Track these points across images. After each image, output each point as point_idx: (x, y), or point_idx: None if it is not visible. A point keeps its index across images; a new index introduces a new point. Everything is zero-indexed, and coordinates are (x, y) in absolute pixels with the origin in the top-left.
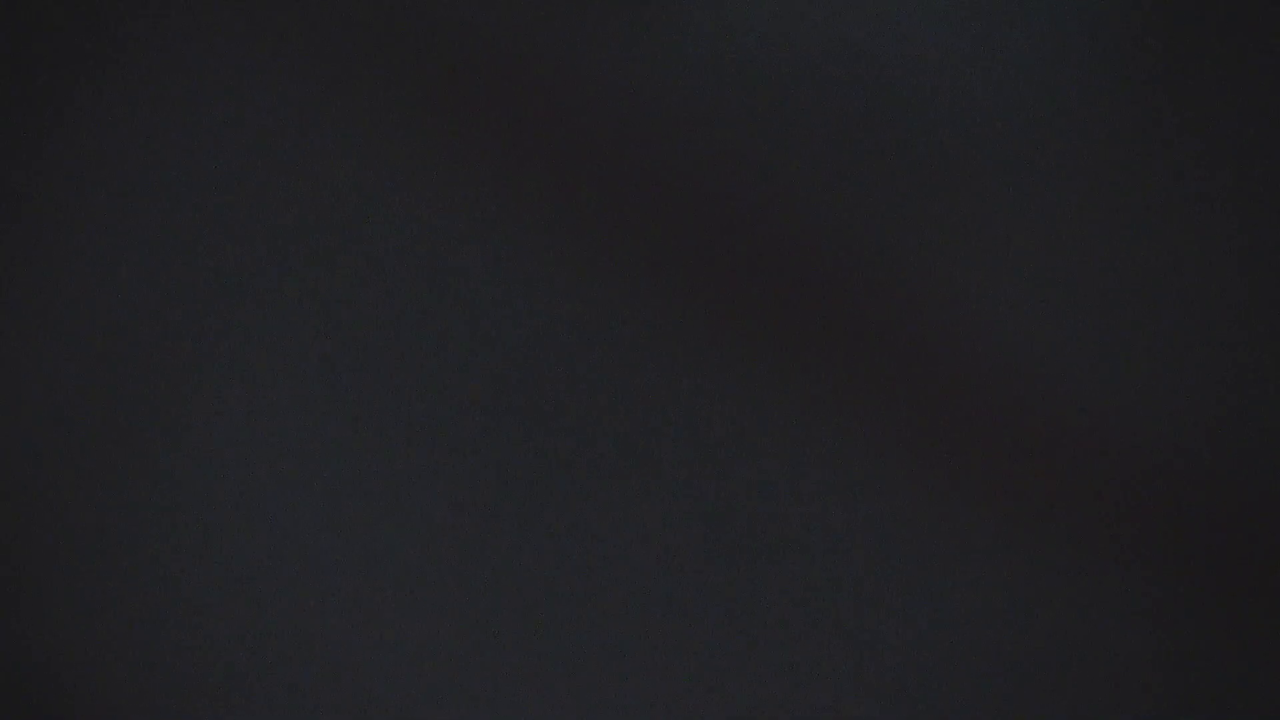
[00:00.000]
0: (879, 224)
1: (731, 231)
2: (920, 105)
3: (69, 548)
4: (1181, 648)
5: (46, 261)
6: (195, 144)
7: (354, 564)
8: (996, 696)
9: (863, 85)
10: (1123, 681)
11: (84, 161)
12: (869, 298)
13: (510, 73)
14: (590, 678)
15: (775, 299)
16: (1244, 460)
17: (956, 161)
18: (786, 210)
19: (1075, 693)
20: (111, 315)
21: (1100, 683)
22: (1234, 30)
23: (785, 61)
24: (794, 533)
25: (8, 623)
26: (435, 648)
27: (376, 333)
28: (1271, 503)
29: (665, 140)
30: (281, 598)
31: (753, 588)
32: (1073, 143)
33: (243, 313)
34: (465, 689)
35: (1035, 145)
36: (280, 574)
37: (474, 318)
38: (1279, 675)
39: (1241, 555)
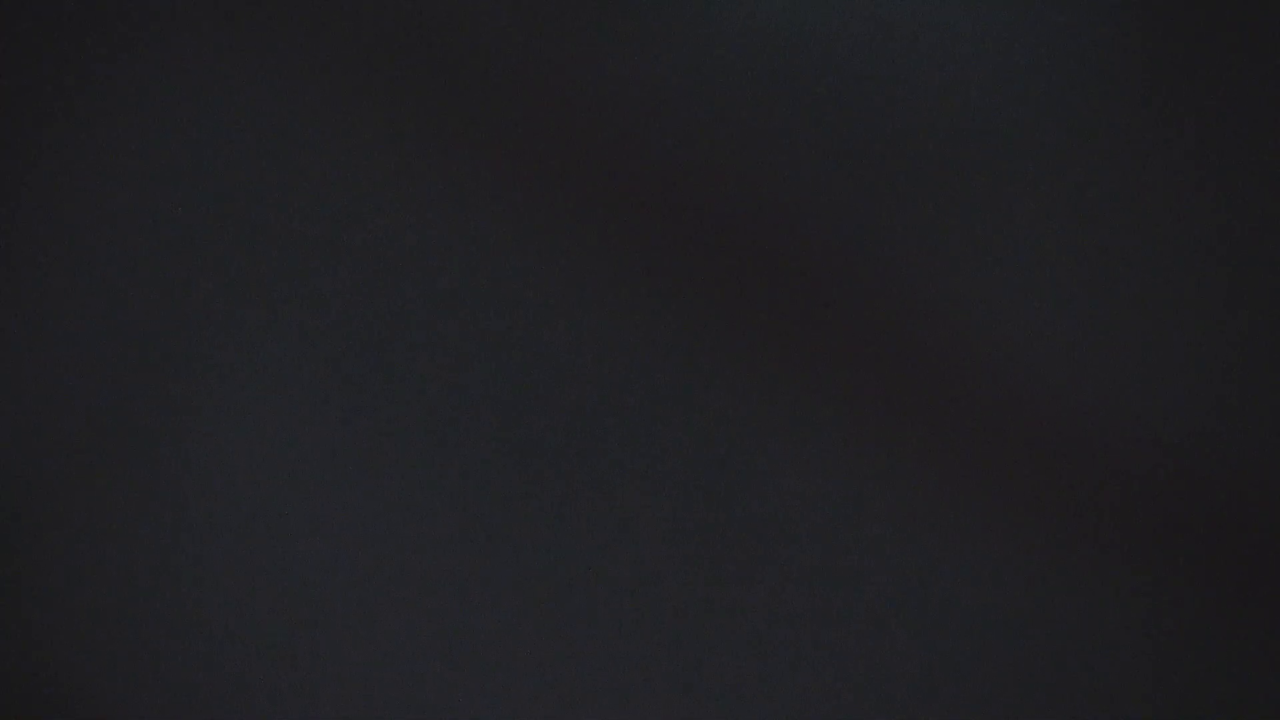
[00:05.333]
0: (879, 225)
1: (733, 232)
2: (921, 107)
3: (73, 547)
4: (1181, 647)
5: (51, 262)
6: (200, 144)
7: (356, 563)
8: (996, 695)
9: (865, 88)
10: (1123, 681)
11: (88, 162)
12: (869, 298)
13: (514, 76)
14: (590, 676)
15: (776, 300)
16: (1243, 460)
17: (957, 163)
18: (787, 211)
19: (1075, 692)
20: (116, 317)
21: (1100, 682)
22: (1233, 31)
23: (786, 64)
24: (794, 533)
25: (12, 622)
26: (438, 645)
27: (380, 334)
28: (1270, 502)
29: (667, 142)
30: (283, 596)
31: (753, 587)
32: (1073, 144)
33: (246, 314)
34: (468, 687)
35: (1036, 147)
36: (282, 573)
37: (476, 319)
38: (1279, 675)
39: (1240, 555)
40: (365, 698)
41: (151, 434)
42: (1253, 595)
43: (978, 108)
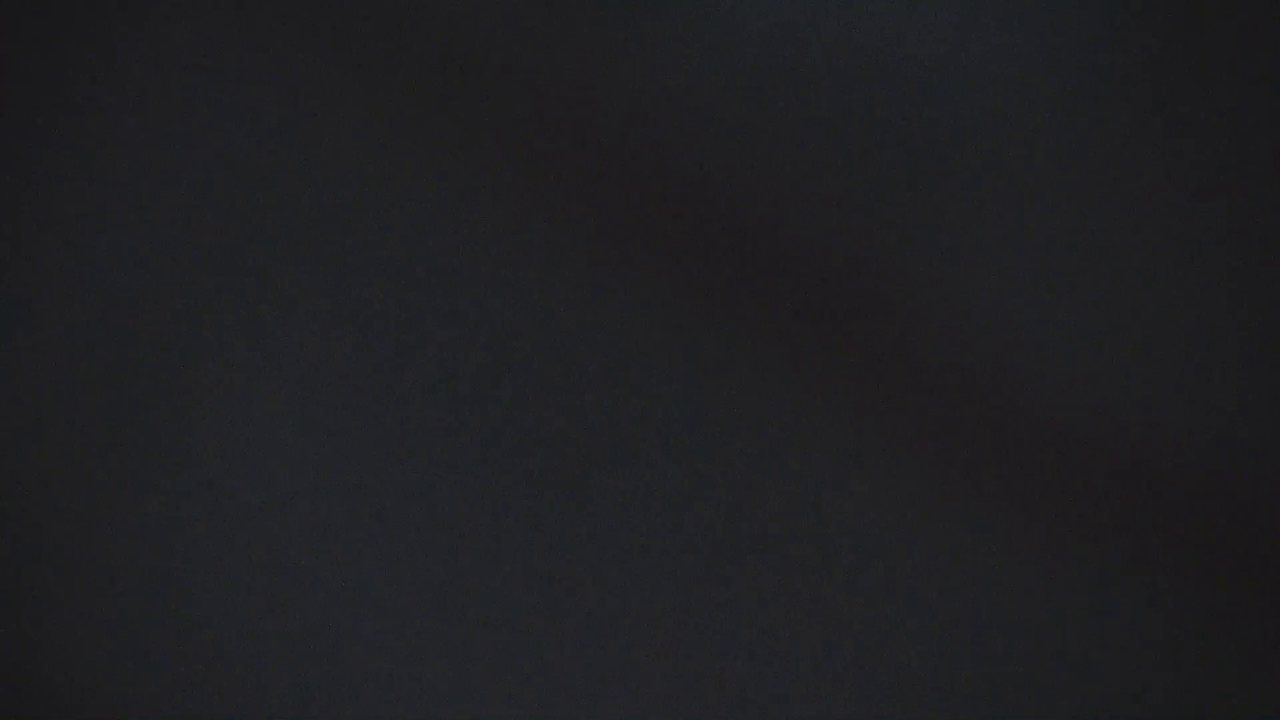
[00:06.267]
0: (879, 225)
1: (732, 232)
2: (921, 106)
3: (73, 546)
4: (1182, 647)
5: (52, 263)
6: (200, 145)
7: (359, 565)
8: (999, 695)
9: (864, 86)
10: (1123, 681)
11: (89, 163)
12: (869, 298)
13: (519, 77)
14: (586, 675)
15: (776, 300)
16: (1243, 460)
17: (957, 162)
18: (786, 211)
19: (1077, 692)
20: (117, 317)
21: (1101, 682)
22: (1233, 30)
23: (786, 63)
24: (796, 534)
25: (12, 623)
26: (440, 645)
27: (383, 335)
28: (1271, 502)
29: (666, 141)
30: (285, 596)
31: (752, 588)
32: (1073, 143)
33: (247, 315)
34: (469, 688)
35: (1036, 146)
36: (284, 572)
37: (481, 321)
38: (1279, 675)
39: (1241, 555)
40: (368, 699)
41: (152, 434)
42: (1254, 595)
43: (980, 109)
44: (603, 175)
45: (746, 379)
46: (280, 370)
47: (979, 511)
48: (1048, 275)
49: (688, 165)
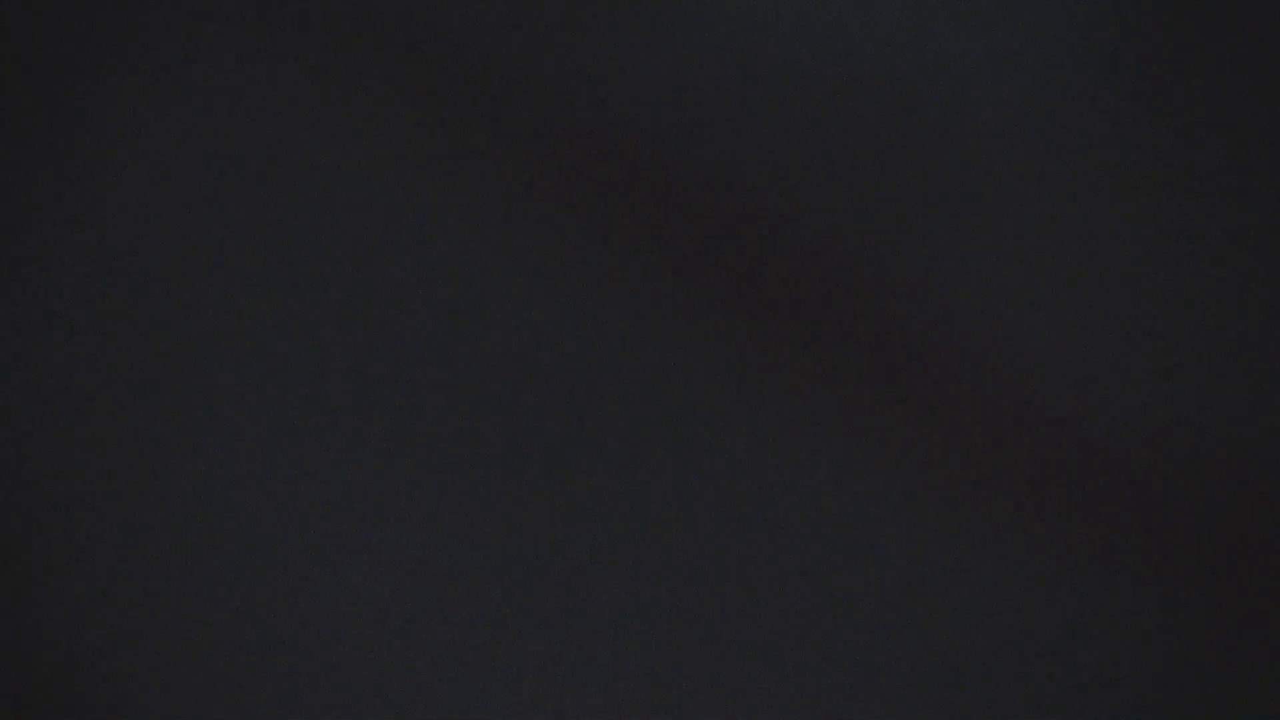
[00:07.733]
0: (879, 224)
1: (733, 233)
2: (921, 107)
3: (75, 546)
4: (1179, 646)
5: (55, 262)
6: (205, 147)
7: (359, 567)
8: (997, 695)
9: (865, 86)
10: (1119, 680)
11: (92, 165)
12: (868, 298)
13: (519, 78)
14: (589, 677)
15: (778, 300)
16: (1241, 459)
17: (956, 163)
18: (787, 211)
19: (1075, 692)
20: (119, 318)
21: (1100, 683)
22: (1234, 31)
23: (787, 63)
24: (793, 533)
25: (16, 621)
26: (437, 645)
27: (384, 337)
28: (1268, 501)
29: (667, 141)
30: (282, 594)
31: (751, 588)
32: (1072, 144)
33: (248, 314)
34: (469, 689)
35: (1035, 147)
36: (284, 574)
37: (480, 320)
38: (1276, 675)
39: (1239, 553)
40: (370, 700)
41: (153, 434)
42: (1251, 594)
43: (979, 107)
44: (603, 176)
45: (743, 377)
46: (280, 369)
47: (977, 510)
48: (1047, 275)
49: (688, 165)
